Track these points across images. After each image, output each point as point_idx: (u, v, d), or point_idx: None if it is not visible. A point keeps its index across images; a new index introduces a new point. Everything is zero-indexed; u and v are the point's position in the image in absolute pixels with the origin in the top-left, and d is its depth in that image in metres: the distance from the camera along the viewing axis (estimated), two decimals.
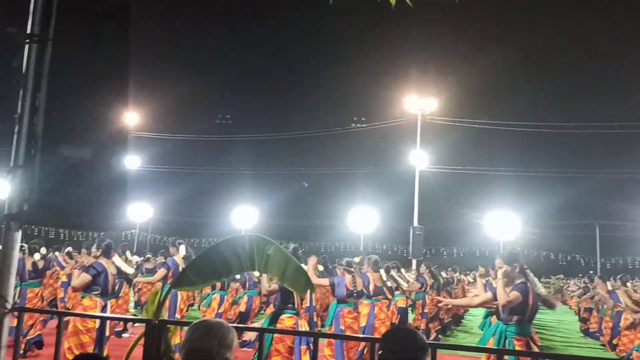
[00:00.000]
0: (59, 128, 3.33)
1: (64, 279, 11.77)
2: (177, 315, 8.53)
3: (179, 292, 8.42)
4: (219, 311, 10.67)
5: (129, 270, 7.41)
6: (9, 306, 3.22)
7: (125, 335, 10.53)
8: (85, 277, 6.71)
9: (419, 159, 30.48)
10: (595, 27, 47.86)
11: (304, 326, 6.63)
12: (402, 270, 11.70)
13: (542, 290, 5.45)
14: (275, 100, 55.67)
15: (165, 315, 7.71)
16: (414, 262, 22.59)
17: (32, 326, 8.54)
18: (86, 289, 6.74)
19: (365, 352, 7.84)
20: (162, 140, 41.21)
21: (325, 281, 8.44)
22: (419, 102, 30.45)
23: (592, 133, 36.35)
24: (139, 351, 3.38)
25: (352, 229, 39.01)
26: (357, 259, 9.86)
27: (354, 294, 8.47)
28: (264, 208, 41.39)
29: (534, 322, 5.36)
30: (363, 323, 8.46)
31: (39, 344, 8.76)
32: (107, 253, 7.06)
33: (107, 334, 6.96)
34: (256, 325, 9.89)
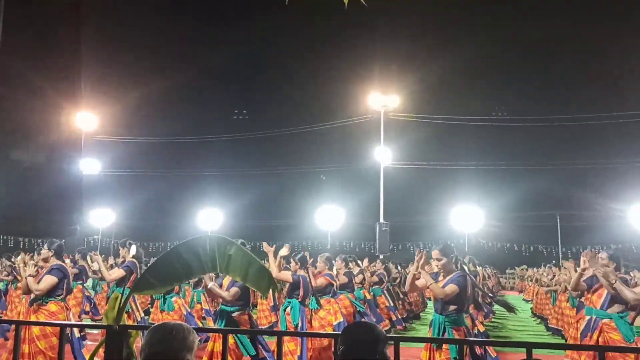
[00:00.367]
0: (9, 132, 3.24)
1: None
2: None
3: (135, 298, 8.28)
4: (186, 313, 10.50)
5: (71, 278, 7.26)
6: None
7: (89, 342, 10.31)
8: (52, 280, 6.50)
9: (383, 156, 30.75)
10: (557, 21, 48.97)
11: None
12: (359, 261, 11.91)
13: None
14: (238, 100, 55.35)
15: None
16: (381, 257, 22.76)
17: None
18: (50, 293, 6.53)
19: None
20: (124, 144, 40.51)
21: (288, 276, 8.18)
22: (382, 99, 30.71)
23: (550, 126, 37.24)
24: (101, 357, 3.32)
25: (320, 227, 39.09)
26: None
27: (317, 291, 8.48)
28: (230, 209, 41.13)
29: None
30: (337, 320, 8.49)
31: None
32: (59, 254, 6.86)
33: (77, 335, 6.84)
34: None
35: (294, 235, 41.60)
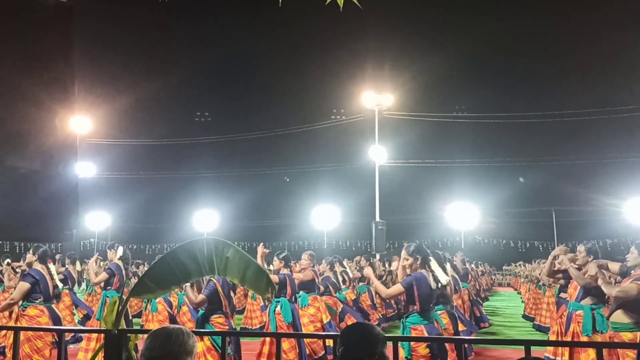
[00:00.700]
0: (4, 138, 3.25)
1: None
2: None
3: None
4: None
5: (57, 282, 7.27)
6: None
7: (72, 346, 10.21)
8: (24, 286, 6.62)
9: (378, 154, 30.77)
10: (548, 19, 49.15)
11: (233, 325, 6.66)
12: (345, 262, 11.86)
13: (444, 281, 5.49)
14: (234, 101, 55.28)
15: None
16: (377, 256, 22.78)
17: None
18: (27, 297, 6.65)
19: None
20: (119, 146, 40.46)
21: (274, 277, 8.21)
22: (376, 97, 30.72)
23: (545, 122, 37.38)
24: None
25: (316, 227, 39.12)
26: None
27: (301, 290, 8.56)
28: (226, 210, 41.10)
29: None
30: (327, 319, 8.53)
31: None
32: (43, 259, 6.96)
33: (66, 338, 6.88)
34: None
35: (290, 235, 41.66)
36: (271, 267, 9.80)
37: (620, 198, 33.70)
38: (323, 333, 7.94)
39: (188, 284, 6.46)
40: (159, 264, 3.41)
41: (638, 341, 5.06)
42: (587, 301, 6.27)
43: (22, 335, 6.28)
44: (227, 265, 3.37)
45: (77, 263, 11.73)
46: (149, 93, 44.50)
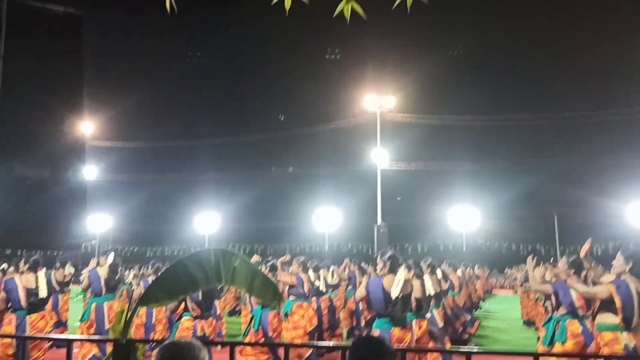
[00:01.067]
0: (13, 147, 3.25)
1: None
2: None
3: (105, 307, 8.33)
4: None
5: (42, 292, 7.33)
6: None
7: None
8: (2, 295, 7.10)
9: (380, 157, 30.79)
10: (546, 21, 49.12)
11: (205, 329, 6.81)
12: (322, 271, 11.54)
13: (396, 291, 5.56)
14: (235, 104, 55.30)
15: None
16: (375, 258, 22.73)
17: None
18: (8, 306, 7.04)
19: None
20: (120, 149, 40.49)
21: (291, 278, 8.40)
22: (378, 100, 30.76)
23: (546, 124, 37.39)
24: None
25: (317, 229, 39.10)
26: (284, 259, 10.06)
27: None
28: (227, 213, 41.10)
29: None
30: (312, 326, 8.57)
31: None
32: (34, 268, 7.19)
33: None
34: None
35: (291, 238, 41.63)
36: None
37: (622, 201, 33.68)
38: (333, 343, 7.99)
39: None
40: (167, 274, 3.42)
41: (619, 341, 5.28)
42: (561, 311, 6.32)
43: None
44: (235, 275, 3.39)
45: (66, 267, 11.75)
46: (150, 97, 44.54)
